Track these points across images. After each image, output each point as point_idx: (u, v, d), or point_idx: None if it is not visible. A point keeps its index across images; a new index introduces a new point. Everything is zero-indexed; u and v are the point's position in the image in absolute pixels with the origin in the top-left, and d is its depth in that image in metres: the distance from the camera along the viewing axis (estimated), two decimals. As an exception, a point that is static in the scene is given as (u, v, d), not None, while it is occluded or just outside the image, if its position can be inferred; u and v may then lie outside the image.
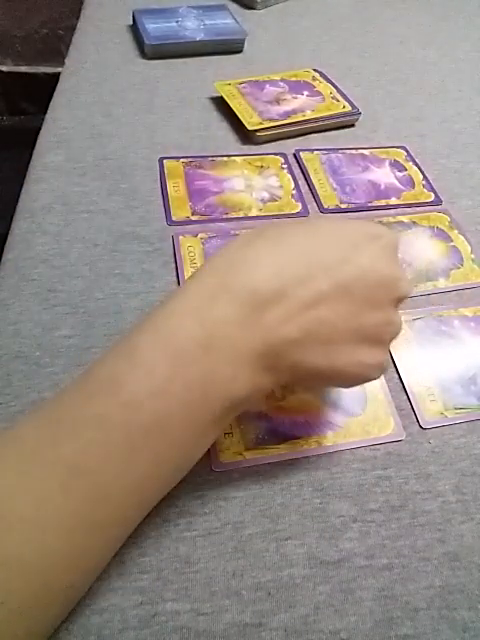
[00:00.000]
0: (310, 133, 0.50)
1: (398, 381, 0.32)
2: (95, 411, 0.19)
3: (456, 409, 0.31)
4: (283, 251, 0.22)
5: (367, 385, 0.31)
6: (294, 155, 0.47)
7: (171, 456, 0.21)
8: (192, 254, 0.38)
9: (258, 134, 0.47)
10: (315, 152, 0.48)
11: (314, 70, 0.56)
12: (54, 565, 0.19)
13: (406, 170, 0.47)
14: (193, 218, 0.40)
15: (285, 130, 0.48)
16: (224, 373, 0.20)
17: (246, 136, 0.48)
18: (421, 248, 0.40)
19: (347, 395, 0.31)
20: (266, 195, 0.43)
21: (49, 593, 0.19)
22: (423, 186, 0.46)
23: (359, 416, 0.30)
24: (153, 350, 0.20)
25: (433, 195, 0.45)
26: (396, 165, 0.47)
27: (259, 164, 0.46)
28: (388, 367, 0.25)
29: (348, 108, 0.51)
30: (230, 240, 0.24)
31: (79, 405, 0.20)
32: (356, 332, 0.22)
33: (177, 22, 0.60)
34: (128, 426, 0.19)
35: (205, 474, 0.27)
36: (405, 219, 0.42)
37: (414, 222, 0.42)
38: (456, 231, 0.42)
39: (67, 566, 0.19)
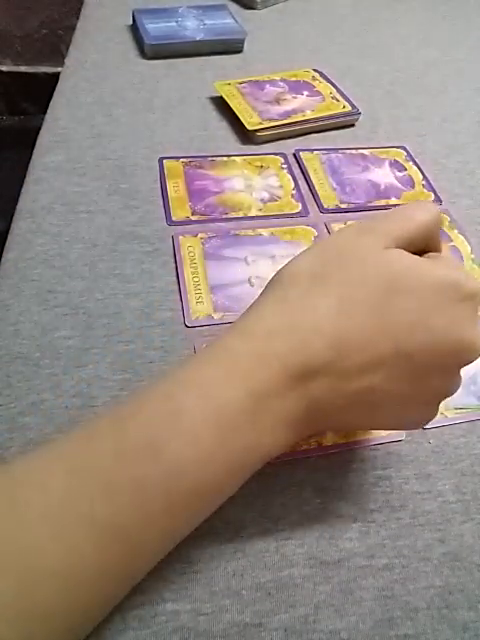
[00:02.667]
0: (310, 133, 0.50)
1: (398, 381, 0.32)
2: (133, 474, 0.19)
3: (456, 409, 0.31)
4: (348, 312, 0.20)
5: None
6: (294, 155, 0.47)
7: (206, 512, 0.21)
8: (192, 254, 0.38)
9: (258, 134, 0.47)
10: (315, 152, 0.48)
11: (314, 70, 0.56)
12: (82, 615, 0.18)
13: (406, 170, 0.47)
14: (193, 218, 0.40)
15: (285, 130, 0.48)
16: (266, 441, 0.20)
17: (246, 136, 0.48)
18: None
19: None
20: (266, 195, 0.43)
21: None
22: (423, 186, 0.46)
23: (359, 416, 0.30)
24: (199, 418, 0.19)
25: (433, 195, 0.45)
26: (396, 165, 0.47)
27: (259, 164, 0.46)
28: (434, 417, 0.23)
29: (348, 108, 0.51)
30: (287, 276, 0.22)
31: (115, 465, 0.19)
32: (410, 397, 0.21)
33: (177, 22, 0.60)
34: (168, 493, 0.19)
35: (205, 474, 0.27)
36: (405, 219, 0.42)
37: (414, 222, 0.42)
38: (456, 231, 0.42)
39: (95, 616, 0.19)
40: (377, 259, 0.21)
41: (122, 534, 0.18)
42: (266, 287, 0.23)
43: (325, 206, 0.43)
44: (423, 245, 0.23)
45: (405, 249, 0.22)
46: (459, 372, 0.22)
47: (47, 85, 0.67)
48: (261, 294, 0.23)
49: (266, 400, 0.19)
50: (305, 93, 0.52)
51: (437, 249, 0.24)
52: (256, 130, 0.47)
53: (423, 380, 0.21)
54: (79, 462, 0.19)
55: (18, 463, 0.20)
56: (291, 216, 0.42)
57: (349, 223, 0.23)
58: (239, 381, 0.20)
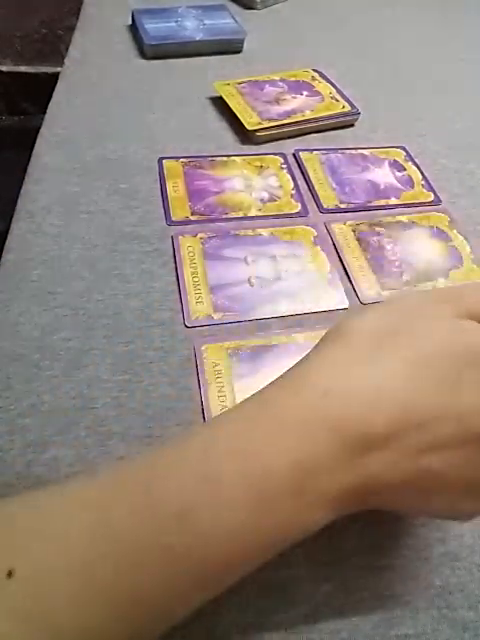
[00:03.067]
0: (309, 133, 0.50)
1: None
2: (162, 542, 0.17)
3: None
4: (416, 381, 0.18)
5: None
6: (293, 155, 0.47)
7: (232, 582, 0.19)
8: (192, 254, 0.38)
9: (257, 134, 0.47)
10: (314, 152, 0.48)
11: (313, 70, 0.56)
12: None
13: (405, 170, 0.47)
14: (193, 218, 0.40)
15: (284, 130, 0.48)
16: (308, 518, 0.18)
17: (245, 136, 0.48)
18: (420, 248, 0.40)
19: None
20: (266, 195, 0.43)
21: None
22: (422, 186, 0.46)
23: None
24: (237, 488, 0.17)
25: (432, 195, 0.45)
26: (395, 165, 0.47)
27: (258, 164, 0.46)
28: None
29: (347, 108, 0.51)
30: (349, 330, 0.20)
31: (143, 530, 0.17)
32: (466, 484, 0.19)
33: (176, 22, 0.60)
34: (197, 564, 0.17)
35: (205, 474, 0.27)
36: (404, 219, 0.42)
37: (413, 222, 0.42)
38: (455, 231, 0.42)
39: None
40: (452, 327, 0.19)
41: (148, 603, 0.17)
42: (324, 338, 0.21)
43: (325, 206, 0.43)
44: None
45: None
46: None
47: (47, 85, 0.67)
48: (318, 345, 0.21)
49: (314, 475, 0.18)
50: (305, 93, 0.52)
51: None
52: (256, 130, 0.47)
53: None
54: (104, 522, 0.18)
55: (37, 514, 0.19)
56: (291, 216, 0.42)
57: (422, 288, 0.22)
58: (285, 449, 0.17)
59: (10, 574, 0.16)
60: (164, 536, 0.17)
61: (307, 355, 0.20)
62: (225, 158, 0.46)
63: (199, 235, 0.39)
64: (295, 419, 0.18)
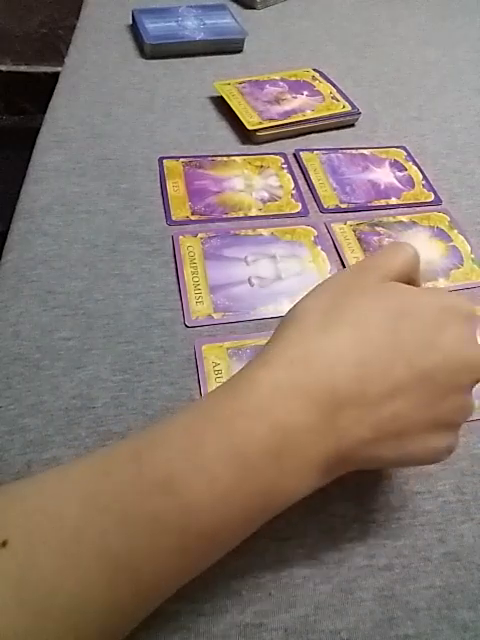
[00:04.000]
0: (310, 133, 0.50)
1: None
2: (148, 509, 0.18)
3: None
4: (365, 340, 0.21)
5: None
6: (294, 155, 0.47)
7: (220, 554, 0.20)
8: (192, 254, 0.38)
9: (258, 134, 0.47)
10: (315, 152, 0.48)
11: (314, 70, 0.56)
12: None
13: (406, 170, 0.47)
14: (193, 218, 0.40)
15: (285, 130, 0.48)
16: (290, 483, 0.19)
17: (246, 136, 0.48)
18: (421, 248, 0.40)
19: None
20: (266, 195, 0.43)
21: None
22: (423, 186, 0.46)
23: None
24: (219, 455, 0.19)
25: (433, 195, 0.45)
26: (396, 165, 0.47)
27: (259, 164, 0.46)
28: (457, 447, 0.23)
29: (348, 108, 0.51)
30: (300, 312, 0.22)
31: (131, 499, 0.18)
32: (431, 420, 0.21)
33: (177, 22, 0.60)
34: (182, 530, 0.18)
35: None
36: (405, 219, 0.42)
37: (414, 222, 0.42)
38: (456, 231, 0.42)
39: None
40: (379, 291, 0.23)
41: (134, 570, 0.18)
42: (279, 325, 0.23)
43: (325, 206, 0.43)
44: (406, 280, 0.24)
45: None
46: (471, 392, 0.23)
47: (47, 85, 0.67)
48: (276, 330, 0.23)
49: (292, 436, 0.19)
50: (305, 93, 0.52)
51: (417, 284, 0.25)
52: (256, 130, 0.47)
53: (441, 401, 0.21)
54: (94, 493, 0.19)
55: (31, 488, 0.20)
56: (291, 216, 0.42)
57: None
58: (262, 416, 0.19)
59: (4, 544, 0.17)
60: (150, 504, 0.18)
61: (270, 339, 0.23)
62: (225, 158, 0.46)
63: (199, 235, 0.39)
64: (268, 386, 0.20)
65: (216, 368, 0.31)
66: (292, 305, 0.24)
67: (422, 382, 0.20)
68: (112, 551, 0.18)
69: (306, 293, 0.24)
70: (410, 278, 0.25)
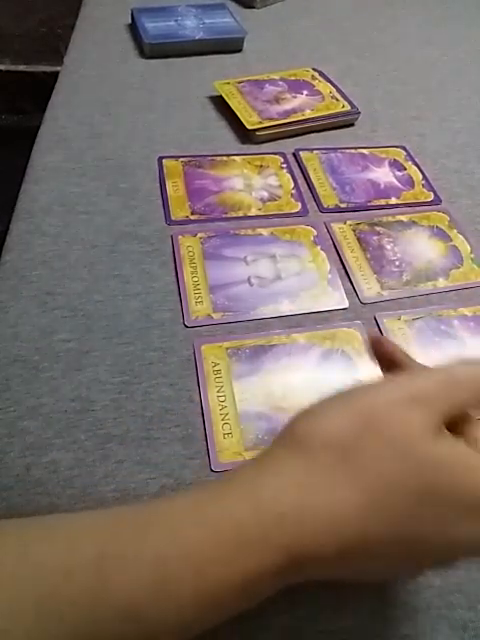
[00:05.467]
0: (309, 132, 0.50)
1: (398, 381, 0.32)
2: (108, 631, 0.18)
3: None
4: (371, 511, 0.18)
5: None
6: (293, 154, 0.47)
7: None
8: (191, 254, 0.38)
9: (257, 133, 0.47)
10: (314, 151, 0.48)
11: (313, 69, 0.56)
12: None
13: (406, 169, 0.47)
14: (192, 217, 0.40)
15: (284, 129, 0.48)
16: (248, 605, 0.19)
17: (245, 135, 0.48)
18: (420, 248, 0.40)
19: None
20: (265, 194, 0.43)
21: None
22: (423, 186, 0.45)
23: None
24: (189, 595, 0.18)
25: (432, 195, 0.45)
26: (396, 165, 0.47)
27: (258, 163, 0.46)
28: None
29: (347, 107, 0.50)
30: (314, 439, 0.19)
31: (89, 614, 0.18)
32: (400, 563, 0.19)
33: (176, 21, 0.60)
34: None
35: (204, 475, 0.27)
36: (405, 219, 0.42)
37: (414, 221, 0.42)
38: (455, 231, 0.42)
39: None
40: (424, 454, 0.19)
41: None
42: (281, 440, 0.21)
43: (325, 205, 0.43)
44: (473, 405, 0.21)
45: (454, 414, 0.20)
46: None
47: (46, 84, 0.66)
48: (275, 449, 0.20)
49: (260, 583, 0.18)
50: (305, 92, 0.52)
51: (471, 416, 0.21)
52: (255, 129, 0.47)
53: (418, 560, 0.20)
54: (51, 595, 0.18)
55: (10, 561, 0.18)
56: (291, 215, 0.42)
57: (396, 382, 0.21)
58: (241, 568, 0.18)
59: None
60: (110, 627, 0.18)
61: (263, 456, 0.20)
62: (225, 157, 0.46)
63: (199, 235, 0.39)
64: (251, 538, 0.18)
65: (215, 368, 0.31)
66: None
67: (406, 552, 0.19)
68: None
69: (329, 403, 0.20)
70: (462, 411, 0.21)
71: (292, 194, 0.43)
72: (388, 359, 0.24)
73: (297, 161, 0.47)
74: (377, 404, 0.20)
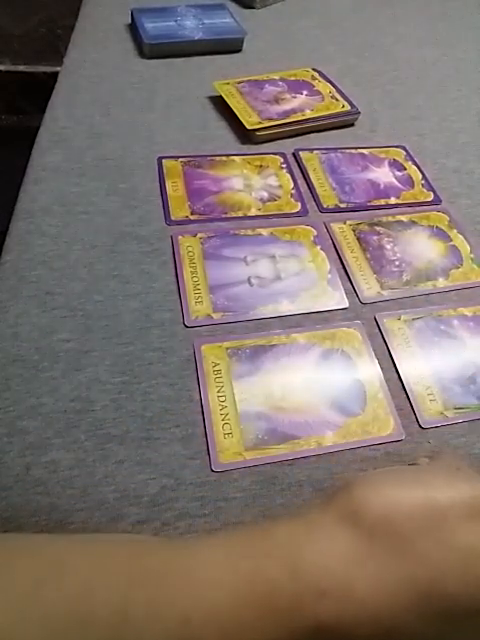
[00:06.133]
0: (309, 132, 0.50)
1: (397, 381, 0.32)
2: None
3: (456, 409, 0.31)
4: (416, 612, 0.18)
5: (366, 384, 0.31)
6: (293, 154, 0.47)
7: None
8: (191, 254, 0.38)
9: (257, 133, 0.47)
10: (314, 151, 0.48)
11: (313, 69, 0.56)
12: None
13: (405, 169, 0.47)
14: (192, 218, 0.40)
15: (284, 129, 0.48)
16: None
17: (245, 135, 0.48)
18: (420, 248, 0.40)
19: (347, 395, 0.31)
20: (265, 194, 0.43)
21: None
22: (422, 185, 0.45)
23: (359, 416, 0.30)
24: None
25: (432, 194, 0.45)
26: (395, 164, 0.47)
27: (258, 163, 0.46)
28: None
29: (347, 107, 0.50)
30: (361, 515, 0.19)
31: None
32: None
33: (176, 21, 0.60)
34: None
35: (204, 475, 0.27)
36: (404, 218, 0.42)
37: (413, 221, 0.42)
38: (455, 230, 0.42)
39: None
40: (469, 570, 0.18)
41: None
42: (334, 505, 0.20)
43: (324, 206, 0.43)
44: None
45: None
46: None
47: (46, 84, 0.67)
48: (326, 513, 0.20)
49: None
50: (304, 92, 0.52)
51: None
52: (255, 129, 0.47)
53: None
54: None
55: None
56: (290, 216, 0.42)
57: (460, 488, 0.20)
58: (268, 634, 0.17)
59: None
60: None
61: (308, 514, 0.20)
62: (225, 158, 0.46)
63: (198, 235, 0.39)
64: (284, 606, 0.17)
65: (215, 368, 0.31)
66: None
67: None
68: None
69: (392, 472, 0.20)
70: None
71: (292, 194, 0.43)
72: None
73: (297, 161, 0.47)
74: (446, 497, 0.19)
